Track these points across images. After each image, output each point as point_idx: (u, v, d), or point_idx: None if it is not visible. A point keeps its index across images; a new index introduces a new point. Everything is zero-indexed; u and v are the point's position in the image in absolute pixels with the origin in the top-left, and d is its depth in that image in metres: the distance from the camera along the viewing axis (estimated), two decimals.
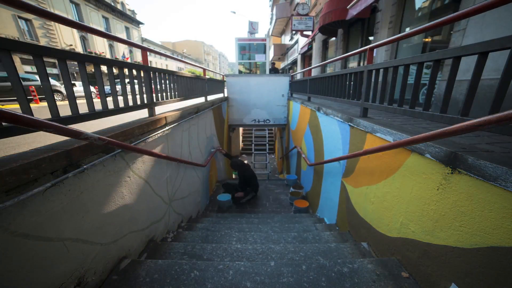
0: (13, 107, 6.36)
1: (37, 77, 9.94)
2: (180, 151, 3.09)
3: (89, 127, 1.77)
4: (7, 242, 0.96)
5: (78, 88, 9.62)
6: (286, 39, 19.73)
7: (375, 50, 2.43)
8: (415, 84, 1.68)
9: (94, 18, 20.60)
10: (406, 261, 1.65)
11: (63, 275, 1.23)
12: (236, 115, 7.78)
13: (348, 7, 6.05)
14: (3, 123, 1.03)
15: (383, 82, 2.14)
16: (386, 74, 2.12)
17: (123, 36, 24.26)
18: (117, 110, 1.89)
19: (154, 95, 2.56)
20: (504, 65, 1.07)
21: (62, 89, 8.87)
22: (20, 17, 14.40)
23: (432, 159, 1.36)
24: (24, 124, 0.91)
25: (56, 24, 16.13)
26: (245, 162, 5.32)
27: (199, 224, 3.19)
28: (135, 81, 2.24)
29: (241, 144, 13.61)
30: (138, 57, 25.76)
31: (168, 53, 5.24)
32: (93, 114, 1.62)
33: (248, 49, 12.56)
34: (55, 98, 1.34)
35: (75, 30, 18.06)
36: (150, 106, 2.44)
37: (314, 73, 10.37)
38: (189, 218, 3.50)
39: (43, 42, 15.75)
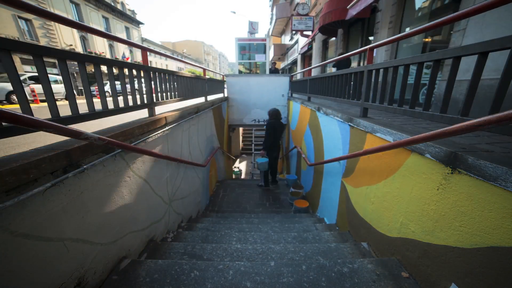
0: (13, 107, 6.36)
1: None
2: (180, 151, 3.09)
3: (89, 127, 1.77)
4: (7, 242, 0.96)
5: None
6: (286, 39, 19.74)
7: (375, 50, 2.43)
8: (415, 84, 1.68)
9: (94, 18, 20.59)
10: (406, 261, 1.65)
11: (63, 275, 1.23)
12: (236, 115, 7.78)
13: (348, 7, 6.06)
14: (3, 123, 1.04)
15: (383, 82, 2.14)
16: (386, 74, 2.12)
17: (123, 36, 24.26)
18: (117, 110, 1.89)
19: (154, 95, 2.56)
20: (504, 65, 1.07)
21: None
22: (20, 17, 14.40)
23: (432, 159, 1.36)
24: (24, 124, 0.91)
25: (56, 24, 16.13)
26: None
27: (199, 224, 3.19)
28: (135, 81, 2.24)
29: (241, 144, 13.61)
30: (138, 57, 25.76)
31: (168, 53, 5.25)
32: (93, 114, 1.62)
33: (248, 49, 12.57)
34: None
35: (75, 30, 18.06)
36: (150, 106, 2.44)
37: (314, 73, 10.36)
38: (189, 218, 3.50)
39: (43, 42, 15.75)
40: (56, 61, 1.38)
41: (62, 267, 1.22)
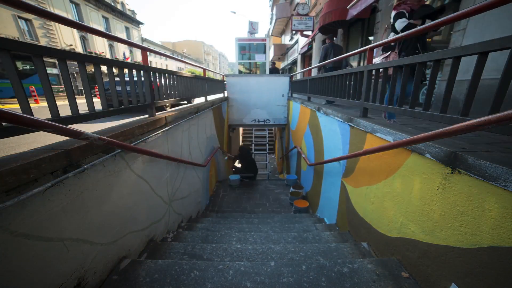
0: (13, 107, 6.37)
1: None
2: (180, 151, 3.09)
3: (89, 127, 1.77)
4: (7, 242, 0.96)
5: None
6: (286, 39, 19.74)
7: (375, 50, 2.43)
8: (415, 84, 1.68)
9: (94, 18, 20.59)
10: (406, 261, 1.65)
11: (63, 275, 1.23)
12: (236, 115, 7.78)
13: (348, 7, 6.06)
14: (3, 123, 1.04)
15: (383, 82, 2.14)
16: (386, 74, 2.12)
17: (123, 36, 24.26)
18: (117, 110, 1.89)
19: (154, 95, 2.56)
20: (504, 65, 1.07)
21: None
22: (20, 17, 14.39)
23: (432, 159, 1.36)
24: (24, 124, 0.91)
25: (56, 24, 16.13)
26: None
27: (199, 224, 3.19)
28: (135, 81, 2.24)
29: (241, 144, 13.61)
30: (138, 57, 25.76)
31: (168, 53, 5.24)
32: (93, 114, 1.62)
33: (248, 49, 12.57)
34: None
35: (75, 30, 18.06)
36: (150, 106, 2.44)
37: (314, 73, 10.37)
38: (189, 218, 3.50)
39: (43, 42, 15.74)
40: (56, 61, 1.38)
41: (62, 267, 1.22)
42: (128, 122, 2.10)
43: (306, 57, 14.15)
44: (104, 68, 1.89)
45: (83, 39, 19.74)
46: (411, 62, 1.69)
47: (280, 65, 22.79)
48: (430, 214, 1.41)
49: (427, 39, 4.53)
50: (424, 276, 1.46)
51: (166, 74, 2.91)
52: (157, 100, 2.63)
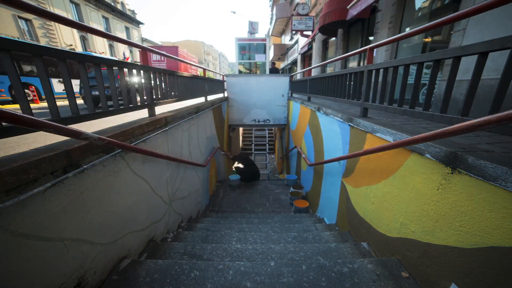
0: (13, 107, 6.37)
1: None
2: (180, 151, 3.09)
3: (89, 127, 1.77)
4: (7, 242, 0.96)
5: None
6: (286, 39, 19.73)
7: (375, 50, 2.43)
8: (415, 84, 1.68)
9: (94, 18, 20.59)
10: (406, 261, 1.65)
11: (63, 275, 1.23)
12: (236, 115, 7.78)
13: (348, 7, 6.06)
14: (3, 123, 1.04)
15: (383, 82, 2.14)
16: (386, 74, 2.12)
17: (123, 36, 24.26)
18: (117, 110, 1.89)
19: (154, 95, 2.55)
20: (504, 65, 1.07)
21: None
22: (20, 17, 14.39)
23: (432, 159, 1.36)
24: (24, 124, 0.91)
25: (56, 24, 16.12)
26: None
27: (199, 224, 3.19)
28: (135, 81, 2.24)
29: (241, 144, 13.61)
30: (138, 57, 25.72)
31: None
32: (93, 114, 1.62)
33: (248, 49, 12.58)
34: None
35: (75, 30, 18.06)
36: (150, 106, 2.44)
37: (314, 73, 10.37)
38: (189, 218, 3.50)
39: (43, 42, 15.74)
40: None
41: (62, 267, 1.22)
42: (128, 122, 2.10)
43: (306, 57, 14.15)
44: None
45: (83, 39, 19.74)
46: (411, 62, 1.69)
47: (280, 65, 22.78)
48: (430, 214, 1.41)
49: (426, 39, 4.54)
50: (424, 276, 1.46)
51: (166, 74, 2.91)
52: (157, 100, 2.63)
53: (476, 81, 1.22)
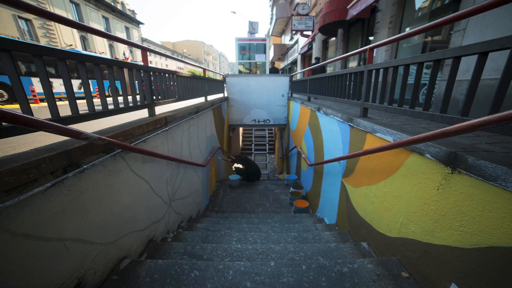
0: (13, 107, 6.37)
1: None
2: (180, 151, 3.09)
3: (89, 127, 1.77)
4: (7, 242, 0.96)
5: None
6: (286, 39, 19.74)
7: (375, 50, 2.43)
8: (415, 84, 1.68)
9: (94, 18, 20.60)
10: (406, 261, 1.65)
11: (63, 275, 1.23)
12: (236, 115, 7.79)
13: (348, 7, 6.06)
14: (3, 123, 1.04)
15: (383, 82, 2.14)
16: (386, 74, 2.12)
17: (123, 36, 24.28)
18: (117, 110, 1.89)
19: (154, 95, 2.56)
20: (504, 65, 1.07)
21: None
22: (20, 17, 14.39)
23: (432, 159, 1.36)
24: (24, 124, 0.91)
25: (56, 24, 16.13)
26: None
27: (199, 224, 3.19)
28: (135, 81, 2.24)
29: (241, 144, 13.62)
30: (138, 57, 25.77)
31: (168, 53, 5.24)
32: (93, 114, 1.62)
33: (248, 49, 12.57)
34: None
35: (75, 30, 18.06)
36: (150, 106, 2.44)
37: (314, 73, 10.36)
38: (189, 218, 3.50)
39: (43, 42, 15.74)
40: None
41: (62, 267, 1.22)
42: (128, 122, 2.10)
43: (306, 57, 14.15)
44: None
45: (83, 39, 19.74)
46: (411, 62, 1.69)
47: (280, 65, 22.79)
48: (430, 214, 1.41)
49: (426, 39, 4.54)
50: (424, 276, 1.46)
51: (166, 74, 2.91)
52: (157, 100, 2.63)
53: (476, 81, 1.22)
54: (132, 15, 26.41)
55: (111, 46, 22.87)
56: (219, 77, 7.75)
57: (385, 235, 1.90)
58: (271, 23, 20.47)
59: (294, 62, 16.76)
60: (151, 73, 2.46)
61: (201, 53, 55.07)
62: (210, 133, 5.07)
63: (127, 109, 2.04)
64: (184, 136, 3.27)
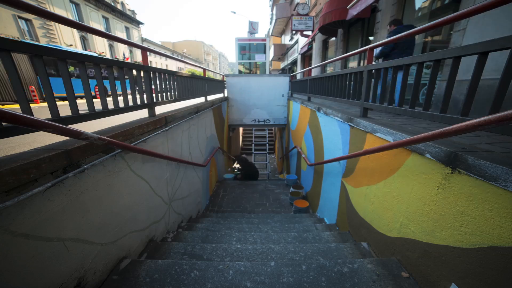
0: (13, 107, 6.37)
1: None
2: (180, 151, 3.09)
3: (89, 127, 1.77)
4: (7, 242, 0.96)
5: None
6: (286, 39, 19.73)
7: (375, 50, 2.42)
8: (415, 84, 1.68)
9: (94, 18, 20.60)
10: (406, 261, 1.64)
11: (63, 275, 1.23)
12: (236, 115, 7.78)
13: (348, 7, 6.06)
14: (3, 123, 1.04)
15: (383, 82, 2.14)
16: (386, 74, 2.12)
17: (123, 36, 24.28)
18: (117, 110, 1.89)
19: (154, 95, 2.56)
20: (504, 65, 1.07)
21: None
22: (20, 17, 14.39)
23: (432, 159, 1.36)
24: (24, 124, 0.91)
25: (56, 24, 16.13)
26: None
27: (199, 224, 3.19)
28: (136, 81, 2.24)
29: (241, 144, 13.62)
30: (138, 57, 25.76)
31: (168, 53, 5.24)
32: (93, 114, 1.62)
33: (248, 49, 12.56)
34: None
35: (75, 30, 18.06)
36: (150, 106, 2.44)
37: (314, 73, 10.37)
38: (189, 218, 3.50)
39: (43, 42, 15.74)
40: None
41: (62, 267, 1.22)
42: (128, 122, 2.10)
43: (306, 57, 14.15)
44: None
45: (83, 39, 19.74)
46: (412, 62, 1.69)
47: (280, 65, 22.79)
48: (430, 214, 1.41)
49: (426, 39, 4.54)
50: (424, 276, 1.46)
51: (166, 74, 2.91)
52: (157, 100, 2.63)
53: (476, 81, 1.22)
54: (132, 15, 26.41)
55: (111, 46, 22.87)
56: (219, 77, 7.75)
57: (385, 235, 1.90)
58: (271, 23, 20.46)
59: (294, 62, 16.75)
60: (151, 73, 2.46)
61: (201, 53, 55.06)
62: (210, 133, 5.07)
63: (127, 109, 2.04)
64: (184, 136, 3.27)
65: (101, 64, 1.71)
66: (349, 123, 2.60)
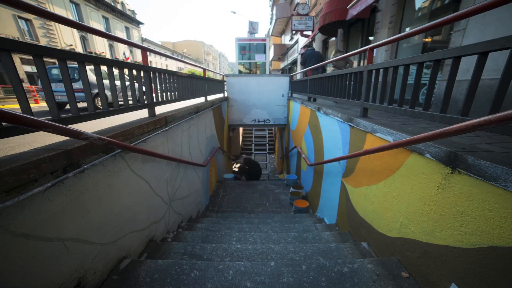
0: (13, 107, 6.36)
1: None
2: (180, 151, 3.09)
3: (89, 127, 1.77)
4: (7, 242, 0.96)
5: None
6: (286, 39, 19.73)
7: (375, 50, 2.43)
8: (415, 84, 1.68)
9: (94, 18, 20.61)
10: (406, 261, 1.64)
11: (63, 275, 1.23)
12: (236, 115, 7.79)
13: (348, 7, 6.05)
14: (3, 123, 1.04)
15: (383, 82, 2.14)
16: (386, 74, 2.12)
17: (123, 36, 24.28)
18: (117, 110, 1.89)
19: (154, 95, 2.56)
20: (504, 65, 1.07)
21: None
22: (20, 17, 14.40)
23: (432, 159, 1.36)
24: (24, 124, 0.91)
25: (56, 24, 16.13)
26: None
27: (199, 224, 3.19)
28: (135, 81, 2.24)
29: (241, 144, 13.62)
30: (138, 57, 25.77)
31: (168, 53, 5.23)
32: (93, 114, 1.62)
33: (248, 49, 12.56)
34: None
35: (75, 30, 18.07)
36: (150, 106, 2.44)
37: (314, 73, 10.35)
38: (189, 218, 3.50)
39: (43, 42, 15.75)
40: (56, 61, 1.38)
41: (62, 267, 1.22)
42: (128, 122, 2.10)
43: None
44: (103, 68, 1.88)
45: (83, 39, 19.75)
46: (411, 62, 1.69)
47: (280, 65, 22.79)
48: (430, 214, 1.41)
49: (426, 39, 4.53)
50: (424, 276, 1.46)
51: (166, 74, 2.91)
52: (157, 100, 2.63)
53: (476, 81, 1.22)
54: (132, 15, 26.42)
55: (111, 46, 22.88)
56: (219, 77, 7.75)
57: (385, 235, 1.90)
58: (271, 23, 20.46)
59: (294, 62, 16.75)
60: (151, 73, 2.46)
61: (201, 53, 55.06)
62: (210, 133, 5.07)
63: (127, 109, 2.04)
64: (184, 136, 3.27)
65: (101, 64, 1.71)
66: (349, 123, 2.60)
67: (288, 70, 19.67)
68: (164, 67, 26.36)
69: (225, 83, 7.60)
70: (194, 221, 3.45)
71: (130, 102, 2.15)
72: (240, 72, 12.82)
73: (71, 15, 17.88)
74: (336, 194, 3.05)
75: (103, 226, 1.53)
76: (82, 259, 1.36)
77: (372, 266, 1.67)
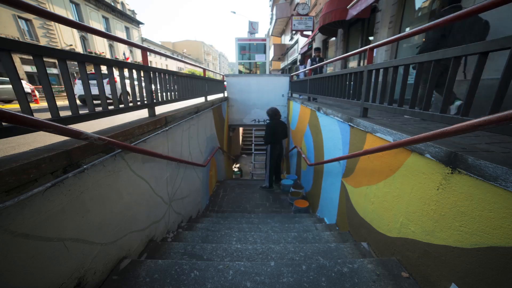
0: (13, 107, 6.36)
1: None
2: (180, 151, 3.09)
3: (89, 127, 1.77)
4: (7, 242, 0.96)
5: None
6: (286, 39, 19.74)
7: (375, 50, 2.43)
8: (415, 84, 1.68)
9: (94, 18, 20.61)
10: (406, 261, 1.64)
11: (63, 275, 1.23)
12: (236, 115, 7.79)
13: (348, 7, 6.06)
14: (3, 123, 1.04)
15: (383, 82, 2.14)
16: (386, 74, 2.12)
17: (123, 36, 24.29)
18: (117, 110, 1.89)
19: (154, 95, 2.56)
20: (504, 65, 1.07)
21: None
22: (20, 17, 14.41)
23: (432, 159, 1.36)
24: (24, 124, 0.91)
25: (56, 24, 16.13)
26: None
27: (199, 224, 3.19)
28: (135, 81, 2.24)
29: (241, 144, 13.61)
30: (138, 57, 25.77)
31: (168, 53, 5.23)
32: (93, 114, 1.62)
33: (248, 49, 12.57)
34: None
35: (75, 30, 18.07)
36: (150, 106, 2.44)
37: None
38: (189, 218, 3.50)
39: (43, 42, 15.75)
40: (56, 61, 1.38)
41: (62, 267, 1.22)
42: (128, 122, 2.10)
43: (306, 57, 14.14)
44: (103, 68, 1.88)
45: (83, 39, 19.76)
46: (411, 62, 1.69)
47: (280, 65, 22.79)
48: (430, 214, 1.41)
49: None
50: (424, 276, 1.46)
51: (166, 74, 2.91)
52: (157, 100, 2.63)
53: (476, 81, 1.22)
54: (132, 15, 26.42)
55: (111, 46, 22.88)
56: (219, 77, 7.75)
57: (385, 235, 1.90)
58: (271, 23, 20.47)
59: (294, 62, 16.75)
60: (151, 73, 2.46)
61: (201, 53, 55.06)
62: (210, 133, 5.07)
63: (127, 109, 2.04)
64: (184, 136, 3.27)
65: (101, 64, 1.71)
66: (349, 123, 2.60)
67: (288, 70, 19.67)
68: (164, 67, 26.38)
69: (225, 83, 7.60)
70: (194, 221, 3.45)
71: (131, 103, 2.15)
72: (240, 72, 12.82)
73: (71, 15, 17.88)
74: (336, 194, 3.05)
75: (103, 226, 1.53)
76: (82, 259, 1.36)
77: (372, 266, 1.67)
